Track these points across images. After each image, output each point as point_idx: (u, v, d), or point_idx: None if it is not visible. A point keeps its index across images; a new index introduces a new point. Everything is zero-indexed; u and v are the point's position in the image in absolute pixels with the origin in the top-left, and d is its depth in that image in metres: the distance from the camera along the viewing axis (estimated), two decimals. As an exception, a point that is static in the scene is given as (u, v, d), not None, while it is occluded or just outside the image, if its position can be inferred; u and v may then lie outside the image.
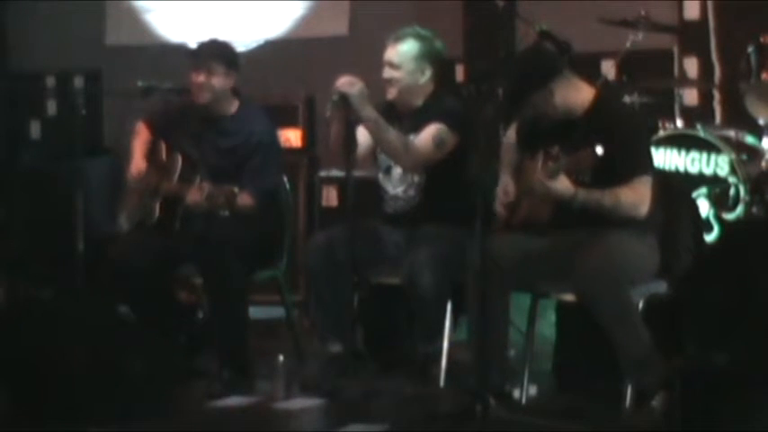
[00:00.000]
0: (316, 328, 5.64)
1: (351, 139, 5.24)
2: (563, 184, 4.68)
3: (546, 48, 4.98)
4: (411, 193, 5.48)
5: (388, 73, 5.43)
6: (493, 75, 5.84)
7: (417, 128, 5.37)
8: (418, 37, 5.44)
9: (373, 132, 5.33)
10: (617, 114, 4.92)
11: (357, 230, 5.17)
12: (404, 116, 5.48)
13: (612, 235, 4.73)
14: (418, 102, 5.46)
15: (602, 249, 4.68)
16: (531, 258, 4.87)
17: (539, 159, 4.83)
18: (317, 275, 5.39)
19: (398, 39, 5.43)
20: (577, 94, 4.91)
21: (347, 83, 5.22)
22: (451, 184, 5.33)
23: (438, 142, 5.32)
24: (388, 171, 5.53)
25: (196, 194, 5.27)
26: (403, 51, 5.41)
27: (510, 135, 5.21)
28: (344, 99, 5.20)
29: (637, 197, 4.76)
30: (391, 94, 5.45)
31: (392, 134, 5.32)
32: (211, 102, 5.63)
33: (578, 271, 4.66)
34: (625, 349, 4.66)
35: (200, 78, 5.57)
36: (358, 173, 5.50)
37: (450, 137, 5.33)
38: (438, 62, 5.49)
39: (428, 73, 5.45)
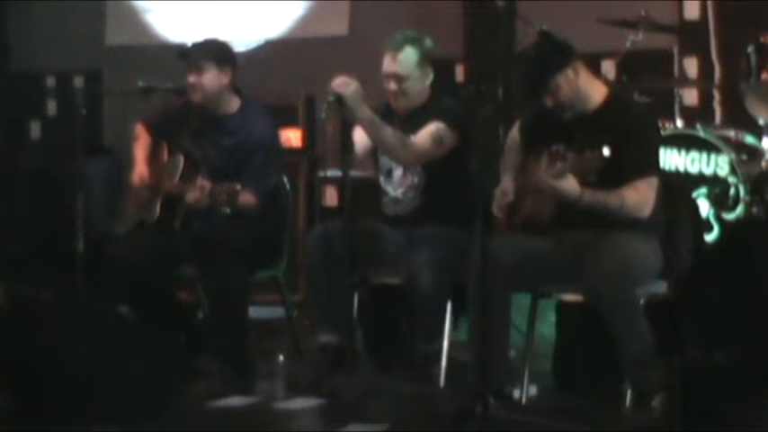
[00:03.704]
0: (314, 321, 5.64)
1: (347, 140, 5.23)
2: (570, 184, 4.67)
3: (556, 38, 4.99)
4: (411, 194, 5.48)
5: (393, 85, 5.40)
6: (493, 75, 5.84)
7: (417, 128, 5.37)
8: (414, 42, 5.40)
9: (369, 132, 5.33)
10: (629, 114, 4.90)
11: (356, 229, 5.17)
12: (404, 116, 5.48)
13: (620, 236, 4.73)
14: (419, 102, 5.46)
15: (613, 250, 4.68)
16: (532, 259, 4.86)
17: (544, 158, 4.83)
18: (315, 266, 5.39)
19: (396, 48, 5.38)
20: (593, 87, 4.91)
21: (342, 83, 5.21)
22: (452, 186, 5.33)
23: (437, 139, 5.32)
24: (389, 173, 5.53)
25: (197, 192, 5.27)
26: (406, 61, 5.38)
27: (513, 135, 5.20)
28: (340, 100, 5.19)
29: (641, 199, 4.76)
30: (399, 104, 5.44)
31: (388, 132, 5.31)
32: (206, 101, 5.63)
33: (589, 272, 4.66)
34: (628, 349, 4.66)
35: (192, 78, 5.58)
36: (357, 173, 5.50)
37: (449, 135, 5.33)
38: (434, 62, 5.50)
39: (431, 75, 5.45)
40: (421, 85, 5.43)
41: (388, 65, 5.40)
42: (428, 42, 5.44)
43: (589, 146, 4.65)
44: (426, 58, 5.42)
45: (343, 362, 5.20)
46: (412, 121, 5.41)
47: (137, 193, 5.70)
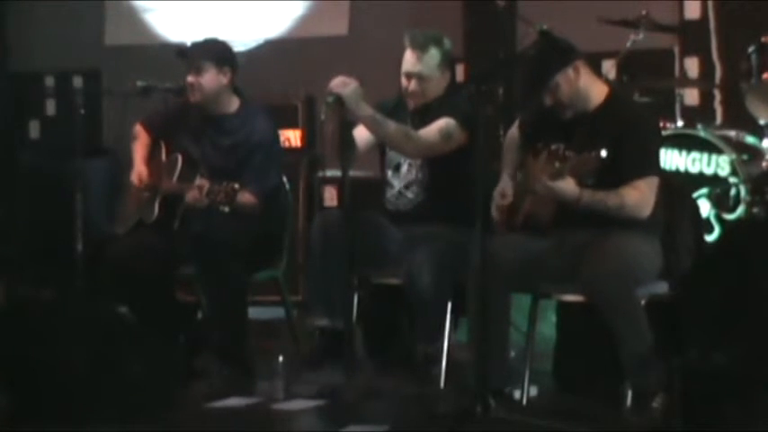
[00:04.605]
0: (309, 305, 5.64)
1: (347, 140, 5.23)
2: (568, 186, 4.67)
3: (556, 38, 5.00)
4: (414, 189, 5.47)
5: (414, 85, 5.40)
6: (493, 75, 5.83)
7: (429, 123, 5.36)
8: (437, 43, 5.40)
9: (372, 129, 5.32)
10: (629, 113, 4.90)
11: (357, 221, 5.16)
12: (416, 112, 5.47)
13: (620, 236, 4.72)
14: (432, 98, 5.45)
15: (614, 251, 4.67)
16: (532, 259, 4.86)
17: (543, 157, 4.82)
18: (315, 250, 5.40)
19: (421, 48, 5.37)
20: (594, 86, 4.90)
21: (340, 83, 5.21)
22: (455, 184, 5.30)
23: (445, 135, 5.30)
24: (397, 168, 5.52)
25: (196, 192, 5.26)
26: (430, 62, 5.38)
27: (512, 133, 5.19)
28: (339, 100, 5.19)
29: (641, 198, 4.75)
30: (415, 104, 5.44)
31: (391, 127, 5.31)
32: (205, 101, 5.63)
33: (589, 272, 4.65)
34: (628, 349, 4.65)
35: (190, 78, 5.58)
36: (358, 173, 5.50)
37: (458, 132, 5.31)
38: (452, 62, 5.50)
39: (448, 76, 5.46)
40: (440, 86, 5.43)
41: (412, 64, 5.39)
42: (448, 43, 5.46)
43: (589, 145, 4.64)
44: (447, 60, 5.43)
45: (338, 349, 5.19)
46: (424, 117, 5.40)
47: (135, 192, 5.69)
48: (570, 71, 4.81)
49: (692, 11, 7.21)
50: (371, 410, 4.93)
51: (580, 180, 4.68)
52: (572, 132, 4.82)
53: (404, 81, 5.43)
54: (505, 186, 5.02)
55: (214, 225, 5.36)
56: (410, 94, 5.43)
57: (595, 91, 4.90)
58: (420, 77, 5.38)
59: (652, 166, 4.84)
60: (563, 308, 5.30)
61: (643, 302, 4.72)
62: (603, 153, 4.51)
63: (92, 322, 4.93)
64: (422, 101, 5.43)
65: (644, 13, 6.49)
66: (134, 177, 5.69)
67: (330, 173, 6.85)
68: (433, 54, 5.39)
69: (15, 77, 8.66)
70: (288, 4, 8.17)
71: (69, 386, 4.68)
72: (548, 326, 5.43)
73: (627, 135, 4.72)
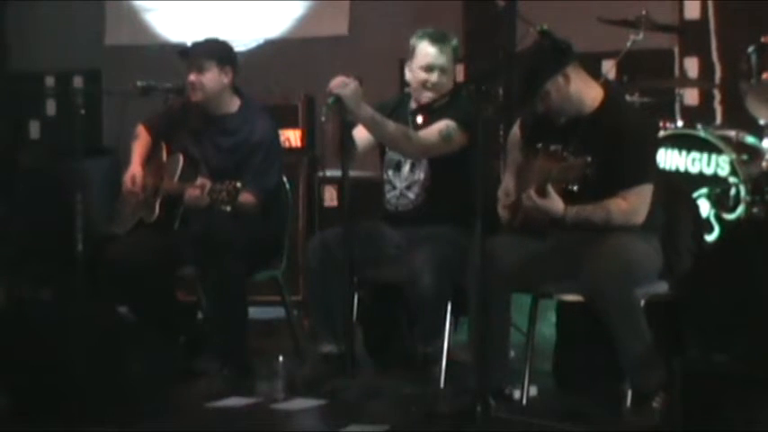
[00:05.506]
0: (313, 329, 5.63)
1: (347, 140, 5.23)
2: (553, 204, 4.68)
3: (556, 38, 5.00)
4: (415, 190, 5.46)
5: (435, 77, 5.41)
6: (493, 75, 5.84)
7: (431, 123, 5.36)
8: (446, 38, 5.46)
9: (371, 129, 5.32)
10: (623, 119, 4.87)
11: (355, 230, 5.16)
12: (418, 111, 5.47)
13: (620, 235, 4.71)
14: (436, 97, 5.45)
15: (614, 250, 4.66)
16: (532, 259, 4.86)
17: (541, 158, 4.81)
18: (314, 275, 5.38)
19: (438, 41, 5.42)
20: (588, 90, 4.89)
21: (340, 84, 5.20)
22: (456, 185, 5.30)
23: (445, 136, 5.31)
24: (397, 167, 5.52)
25: (197, 190, 5.26)
26: (448, 55, 5.43)
27: (514, 132, 5.18)
28: (339, 100, 5.18)
29: (630, 208, 4.74)
30: (427, 98, 5.44)
31: (391, 127, 5.30)
32: (206, 100, 5.63)
33: (588, 270, 4.65)
34: (628, 349, 4.65)
35: (192, 77, 5.58)
36: (358, 173, 5.49)
37: (458, 134, 5.31)
38: (458, 60, 5.56)
39: (454, 74, 5.49)
40: (451, 82, 5.46)
41: (435, 56, 5.40)
42: (456, 41, 5.51)
43: (582, 150, 4.64)
44: (456, 56, 5.50)
45: (343, 368, 5.18)
46: (426, 116, 5.40)
47: (130, 192, 5.68)
48: (560, 79, 4.80)
49: (692, 11, 7.22)
50: (371, 410, 4.93)
51: (567, 185, 4.67)
52: (567, 136, 4.82)
53: (422, 74, 5.42)
54: (508, 184, 5.02)
55: (214, 225, 5.36)
56: (431, 86, 5.42)
57: (590, 95, 4.89)
58: (442, 69, 5.41)
59: (646, 173, 4.80)
60: (563, 308, 5.30)
61: (643, 302, 4.72)
62: (589, 159, 4.52)
63: (92, 322, 4.93)
64: (432, 94, 5.43)
65: (644, 13, 6.49)
66: (126, 177, 5.67)
67: (330, 173, 6.85)
68: (448, 47, 5.43)
69: (15, 77, 8.66)
70: (288, 4, 8.17)
71: (69, 386, 4.68)
72: (548, 326, 5.44)
73: (620, 142, 4.71)
